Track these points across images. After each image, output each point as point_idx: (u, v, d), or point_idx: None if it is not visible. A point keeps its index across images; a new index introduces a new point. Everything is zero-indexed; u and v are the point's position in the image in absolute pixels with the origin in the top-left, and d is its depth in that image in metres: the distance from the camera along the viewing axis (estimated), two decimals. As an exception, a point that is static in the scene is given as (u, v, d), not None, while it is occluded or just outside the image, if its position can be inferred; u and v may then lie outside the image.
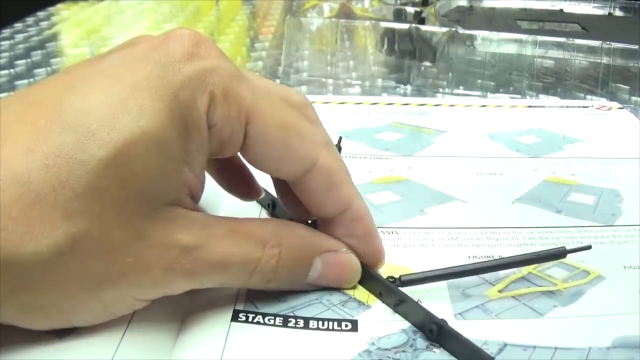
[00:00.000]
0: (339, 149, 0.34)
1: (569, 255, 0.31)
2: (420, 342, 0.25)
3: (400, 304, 0.27)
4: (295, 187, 0.27)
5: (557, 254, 0.29)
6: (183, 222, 0.23)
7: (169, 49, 0.23)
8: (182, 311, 0.27)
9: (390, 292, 0.27)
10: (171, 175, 0.23)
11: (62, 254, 0.21)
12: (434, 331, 0.25)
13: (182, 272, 0.23)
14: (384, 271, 0.29)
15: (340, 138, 0.36)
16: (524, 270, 0.30)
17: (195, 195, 0.25)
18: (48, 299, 0.22)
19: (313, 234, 0.28)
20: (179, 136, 0.22)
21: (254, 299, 0.28)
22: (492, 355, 0.24)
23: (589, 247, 0.29)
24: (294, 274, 0.27)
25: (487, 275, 0.30)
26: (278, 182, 0.30)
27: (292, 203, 0.30)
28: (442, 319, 0.25)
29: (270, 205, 0.34)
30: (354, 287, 0.28)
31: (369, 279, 0.28)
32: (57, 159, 0.21)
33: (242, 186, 0.32)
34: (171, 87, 0.22)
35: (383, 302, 0.28)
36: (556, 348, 0.25)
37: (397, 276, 0.28)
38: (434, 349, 0.25)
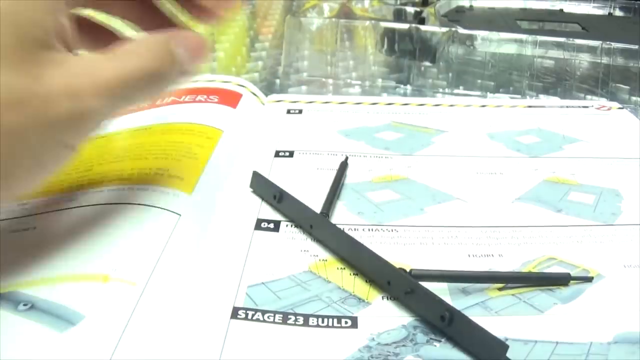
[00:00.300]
0: (345, 167, 0.37)
1: (568, 255, 0.31)
2: (421, 337, 0.25)
3: (411, 293, 0.27)
4: None
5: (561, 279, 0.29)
6: (69, 59, 0.26)
7: None
8: (183, 306, 0.27)
9: (402, 279, 0.27)
10: (34, 18, 0.25)
11: None
12: (446, 318, 0.25)
13: (89, 94, 0.25)
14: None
15: (347, 158, 0.39)
16: (524, 268, 0.30)
17: (66, 42, 0.27)
18: None
19: (159, 34, 0.29)
20: None
21: (254, 296, 0.28)
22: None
23: (590, 279, 0.29)
24: (170, 69, 0.29)
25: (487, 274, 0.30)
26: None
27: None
28: (453, 307, 0.25)
29: (277, 197, 0.34)
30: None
31: (378, 266, 0.28)
32: None
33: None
34: None
35: (390, 292, 0.28)
36: (557, 343, 0.25)
37: (407, 270, 0.28)
38: (435, 343, 0.25)
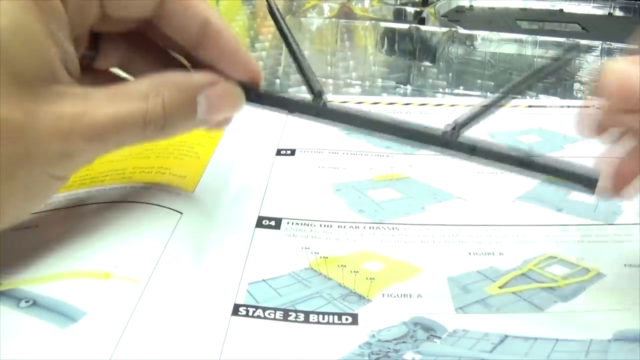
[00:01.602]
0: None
1: (569, 254, 0.31)
2: (421, 333, 0.25)
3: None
4: (159, 20, 0.29)
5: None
6: (65, 96, 0.25)
7: None
8: (184, 303, 0.27)
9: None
10: (37, 50, 0.25)
11: None
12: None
13: (79, 138, 0.25)
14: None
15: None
16: (524, 267, 0.30)
17: (70, 69, 0.26)
18: None
19: (188, 75, 0.29)
20: (35, 18, 0.25)
21: (255, 293, 0.28)
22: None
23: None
24: (184, 115, 0.28)
25: (488, 272, 0.30)
26: (146, 35, 0.31)
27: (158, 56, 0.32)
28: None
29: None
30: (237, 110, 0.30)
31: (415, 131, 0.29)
32: None
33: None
34: None
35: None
36: (557, 340, 0.25)
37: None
38: (435, 340, 0.25)
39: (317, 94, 0.30)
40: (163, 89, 0.27)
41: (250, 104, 0.31)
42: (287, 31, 0.31)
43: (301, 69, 0.30)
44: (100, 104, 0.26)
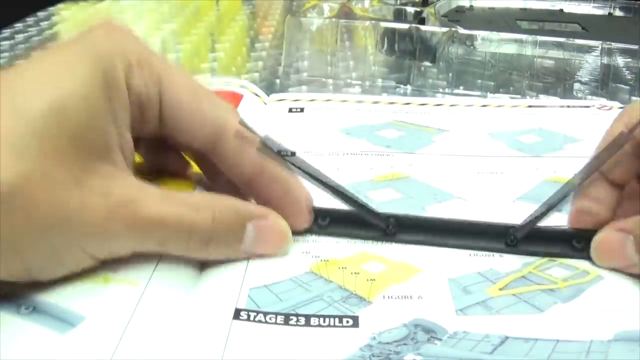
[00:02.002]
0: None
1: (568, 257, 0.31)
2: (421, 335, 0.25)
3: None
4: (214, 155, 0.30)
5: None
6: (119, 178, 0.26)
7: (93, 33, 0.28)
8: (184, 307, 0.27)
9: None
10: (99, 126, 0.26)
11: (14, 190, 0.23)
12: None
13: (122, 223, 0.25)
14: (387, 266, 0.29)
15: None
16: (524, 269, 0.30)
17: (126, 157, 0.27)
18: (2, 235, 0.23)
19: (242, 202, 0.29)
20: (102, 93, 0.26)
21: (256, 298, 0.28)
22: None
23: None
24: (230, 238, 0.29)
25: (488, 274, 0.30)
26: (203, 163, 0.33)
27: (220, 184, 0.32)
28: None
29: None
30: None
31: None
32: (7, 111, 0.24)
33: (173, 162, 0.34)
34: (94, 56, 0.26)
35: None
36: (557, 341, 0.25)
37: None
38: (435, 342, 0.25)
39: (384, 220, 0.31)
40: (216, 206, 0.28)
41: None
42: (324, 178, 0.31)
43: (359, 206, 0.31)
44: (151, 199, 0.26)
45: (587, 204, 0.31)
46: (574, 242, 0.31)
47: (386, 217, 0.32)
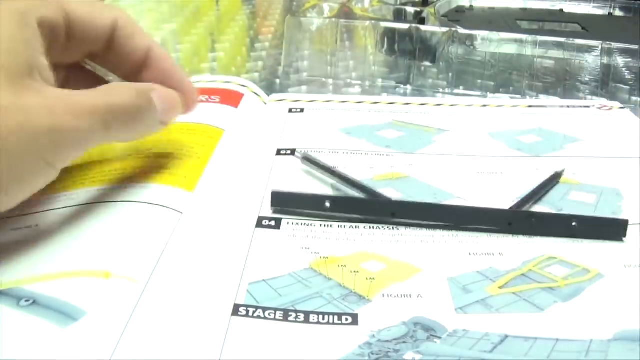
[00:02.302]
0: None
1: (569, 255, 0.31)
2: (421, 334, 0.25)
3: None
4: (110, 50, 0.34)
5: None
6: (47, 87, 0.29)
7: None
8: (184, 302, 0.27)
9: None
10: (19, 50, 0.28)
11: None
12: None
13: (67, 115, 0.28)
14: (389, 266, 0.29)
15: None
16: (524, 268, 0.30)
17: (47, 80, 0.29)
18: None
19: (134, 83, 0.33)
20: (16, 25, 0.29)
21: (255, 293, 0.28)
22: None
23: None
24: (147, 108, 0.32)
25: (488, 272, 0.30)
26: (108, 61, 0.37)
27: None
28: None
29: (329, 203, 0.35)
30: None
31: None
32: None
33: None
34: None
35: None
36: (557, 340, 0.25)
37: None
38: (435, 340, 0.25)
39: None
40: (129, 86, 0.32)
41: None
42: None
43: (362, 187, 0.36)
44: (81, 93, 0.29)
45: None
46: (574, 223, 0.33)
47: (387, 200, 0.35)
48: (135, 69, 0.35)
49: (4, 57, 0.27)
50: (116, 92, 0.31)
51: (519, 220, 0.33)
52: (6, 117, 0.26)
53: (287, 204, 0.34)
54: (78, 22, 0.33)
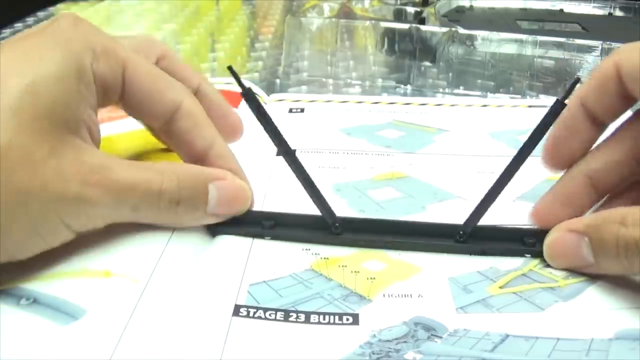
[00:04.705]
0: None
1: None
2: (422, 333, 0.25)
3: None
4: (168, 132, 0.32)
5: None
6: (89, 150, 0.28)
7: (59, 23, 0.29)
8: (185, 303, 0.27)
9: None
10: (70, 104, 0.27)
11: None
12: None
13: (96, 188, 0.27)
14: (390, 266, 0.29)
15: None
16: (525, 267, 0.30)
17: (93, 136, 0.29)
18: None
19: (201, 167, 0.32)
20: (72, 76, 0.28)
21: (255, 294, 0.28)
22: None
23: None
24: (195, 199, 0.30)
25: (488, 272, 0.30)
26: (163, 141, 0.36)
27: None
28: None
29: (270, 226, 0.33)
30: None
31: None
32: None
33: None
34: (64, 43, 0.28)
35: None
36: (558, 339, 0.25)
37: None
38: (436, 339, 0.25)
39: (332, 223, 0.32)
40: (179, 171, 0.30)
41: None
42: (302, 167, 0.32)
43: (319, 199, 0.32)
44: (120, 166, 0.28)
45: (563, 133, 0.33)
46: (526, 239, 0.31)
47: (332, 216, 0.31)
48: (193, 159, 0.32)
49: (51, 106, 0.26)
50: (166, 176, 0.29)
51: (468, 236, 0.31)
52: (35, 173, 0.25)
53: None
54: (135, 94, 0.31)
